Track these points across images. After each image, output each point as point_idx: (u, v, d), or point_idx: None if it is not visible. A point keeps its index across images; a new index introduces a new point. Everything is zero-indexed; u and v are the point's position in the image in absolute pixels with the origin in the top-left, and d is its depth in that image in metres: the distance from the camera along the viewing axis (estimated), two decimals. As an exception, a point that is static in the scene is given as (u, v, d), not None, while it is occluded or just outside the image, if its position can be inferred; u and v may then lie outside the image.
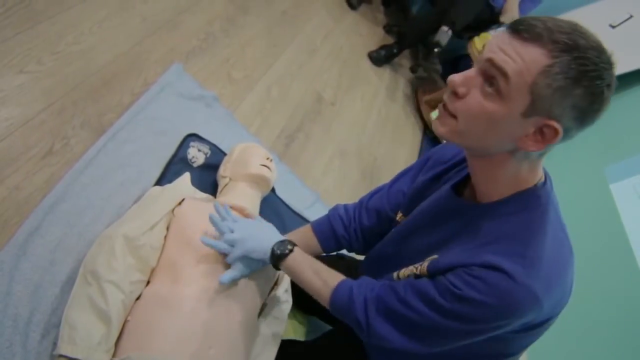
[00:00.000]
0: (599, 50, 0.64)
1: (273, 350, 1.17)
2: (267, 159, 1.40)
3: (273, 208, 1.55)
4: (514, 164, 0.73)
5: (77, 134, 1.23)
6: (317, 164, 2.03)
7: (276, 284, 1.30)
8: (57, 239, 1.05)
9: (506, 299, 0.68)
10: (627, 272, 1.88)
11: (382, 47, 2.91)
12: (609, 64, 0.64)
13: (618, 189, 2.20)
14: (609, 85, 0.64)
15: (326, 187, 1.95)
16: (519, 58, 0.65)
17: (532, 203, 0.73)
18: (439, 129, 0.76)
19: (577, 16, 2.89)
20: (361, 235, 1.11)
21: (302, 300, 1.37)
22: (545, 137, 0.67)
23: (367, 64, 2.86)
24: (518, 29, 0.66)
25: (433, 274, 0.79)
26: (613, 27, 2.77)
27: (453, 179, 0.90)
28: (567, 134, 0.67)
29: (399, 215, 1.03)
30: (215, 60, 1.80)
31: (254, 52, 2.01)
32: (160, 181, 1.33)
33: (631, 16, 2.75)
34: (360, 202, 1.14)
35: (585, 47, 0.63)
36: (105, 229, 1.10)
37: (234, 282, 1.07)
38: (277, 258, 1.00)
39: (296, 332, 1.42)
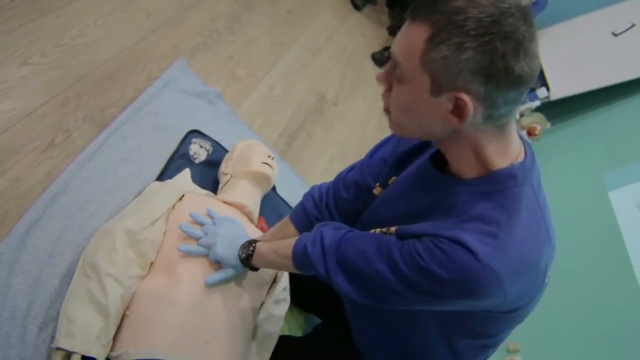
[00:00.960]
0: (486, 5, 0.58)
1: (270, 347, 1.17)
2: (269, 157, 1.40)
3: (273, 206, 1.55)
4: (468, 144, 0.70)
5: (79, 127, 1.23)
6: (318, 163, 2.03)
7: (275, 282, 1.30)
8: (57, 231, 1.05)
9: (466, 277, 0.66)
10: (624, 280, 1.88)
11: (386, 49, 2.91)
12: (504, 14, 0.58)
13: (617, 197, 2.20)
14: (505, 38, 0.58)
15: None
16: (405, 39, 0.65)
17: (507, 184, 0.70)
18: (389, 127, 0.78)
19: (580, 24, 2.90)
20: (336, 211, 1.06)
21: (300, 297, 1.37)
22: (461, 110, 0.63)
23: (370, 65, 2.86)
24: (410, 12, 0.65)
25: (401, 236, 0.76)
26: (615, 35, 2.78)
27: (434, 148, 0.85)
28: (489, 100, 0.62)
29: (377, 188, 0.99)
30: (219, 58, 1.80)
31: (258, 50, 2.01)
32: (162, 176, 1.32)
33: (633, 25, 2.75)
34: (338, 176, 1.10)
35: (464, 7, 0.58)
36: (106, 223, 1.10)
37: (226, 281, 1.07)
38: (245, 260, 1.04)
39: (293, 328, 1.42)
